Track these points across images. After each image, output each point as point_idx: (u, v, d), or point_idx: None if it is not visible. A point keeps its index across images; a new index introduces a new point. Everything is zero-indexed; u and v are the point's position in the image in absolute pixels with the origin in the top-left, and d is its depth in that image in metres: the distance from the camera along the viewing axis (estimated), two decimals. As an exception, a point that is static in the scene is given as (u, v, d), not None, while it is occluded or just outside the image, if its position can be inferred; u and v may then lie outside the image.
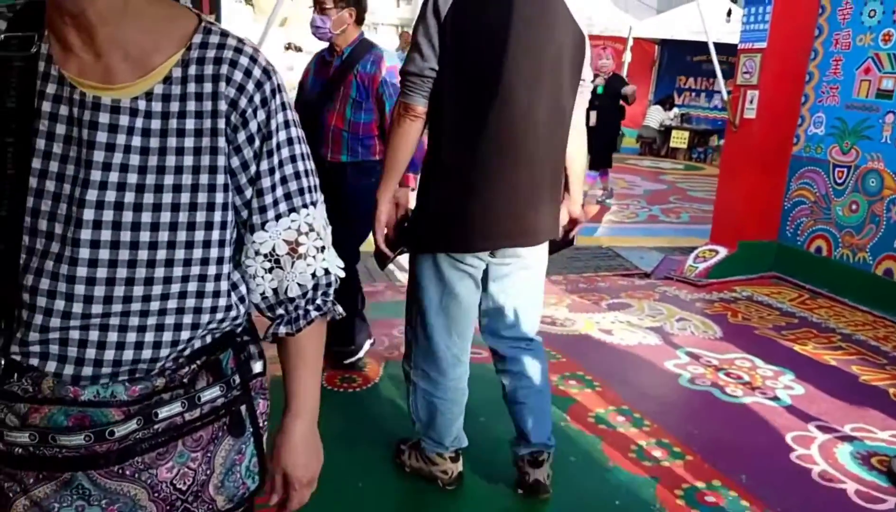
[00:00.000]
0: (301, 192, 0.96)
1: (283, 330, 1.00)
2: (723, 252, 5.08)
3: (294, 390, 1.03)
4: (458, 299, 2.13)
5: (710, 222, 5.47)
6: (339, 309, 1.04)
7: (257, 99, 0.90)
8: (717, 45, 5.32)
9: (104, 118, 0.84)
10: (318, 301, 1.00)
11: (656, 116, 13.40)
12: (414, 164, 2.82)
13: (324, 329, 1.05)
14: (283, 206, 0.95)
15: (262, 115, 0.90)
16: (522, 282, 2.19)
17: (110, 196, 0.84)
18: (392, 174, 2.08)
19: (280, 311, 0.99)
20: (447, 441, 2.29)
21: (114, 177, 0.84)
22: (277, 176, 0.94)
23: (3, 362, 0.86)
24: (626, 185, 9.67)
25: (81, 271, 0.84)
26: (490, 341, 2.29)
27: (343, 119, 3.04)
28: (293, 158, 0.95)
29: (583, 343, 3.76)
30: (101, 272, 0.84)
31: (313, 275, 0.98)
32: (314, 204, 0.98)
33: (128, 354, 0.88)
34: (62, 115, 0.84)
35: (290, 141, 0.94)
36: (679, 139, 13.11)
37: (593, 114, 7.43)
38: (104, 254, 0.84)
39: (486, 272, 2.15)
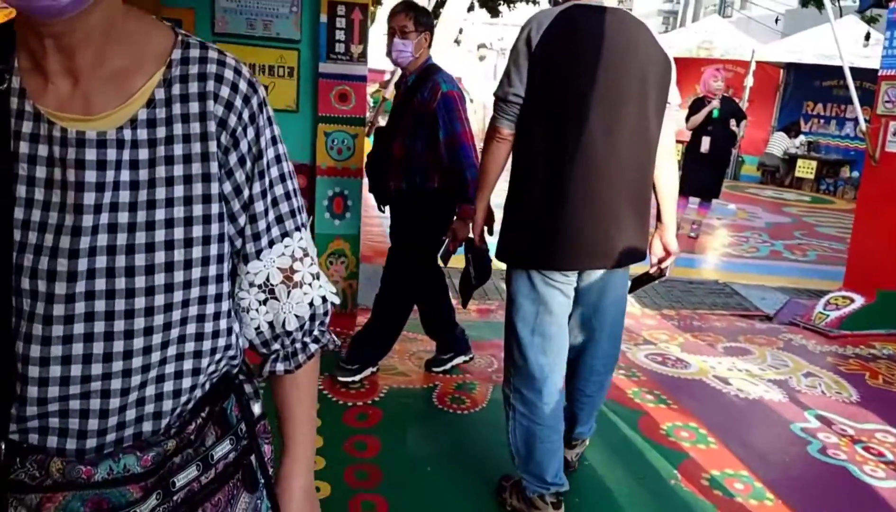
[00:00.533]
0: (292, 213, 0.91)
1: (281, 367, 0.94)
2: (859, 301, 4.59)
3: (292, 434, 0.97)
4: (553, 316, 2.19)
5: (843, 264, 5.02)
6: (335, 338, 0.99)
7: (246, 115, 0.84)
8: (851, 69, 4.85)
9: (91, 155, 0.75)
10: (316, 332, 0.96)
11: (780, 144, 12.65)
12: (469, 198, 2.77)
13: (318, 362, 1.00)
14: (275, 231, 0.89)
15: (251, 133, 0.85)
16: (605, 301, 2.30)
17: (102, 241, 0.76)
18: (485, 188, 2.29)
19: (276, 346, 0.94)
20: (548, 476, 2.23)
21: (104, 218, 0.76)
22: (269, 198, 0.88)
23: (3, 446, 0.77)
24: (745, 217, 9.11)
25: (78, 329, 0.76)
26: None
27: (403, 148, 3.06)
28: (282, 177, 0.90)
29: (697, 390, 3.46)
30: (99, 326, 0.76)
31: (311, 304, 0.93)
32: (304, 226, 0.93)
33: (130, 414, 0.81)
34: (41, 156, 0.75)
35: (278, 159, 0.89)
36: (805, 169, 12.29)
37: (706, 139, 6.99)
38: (100, 305, 0.76)
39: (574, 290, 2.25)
